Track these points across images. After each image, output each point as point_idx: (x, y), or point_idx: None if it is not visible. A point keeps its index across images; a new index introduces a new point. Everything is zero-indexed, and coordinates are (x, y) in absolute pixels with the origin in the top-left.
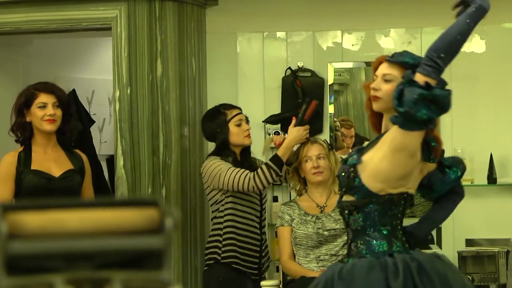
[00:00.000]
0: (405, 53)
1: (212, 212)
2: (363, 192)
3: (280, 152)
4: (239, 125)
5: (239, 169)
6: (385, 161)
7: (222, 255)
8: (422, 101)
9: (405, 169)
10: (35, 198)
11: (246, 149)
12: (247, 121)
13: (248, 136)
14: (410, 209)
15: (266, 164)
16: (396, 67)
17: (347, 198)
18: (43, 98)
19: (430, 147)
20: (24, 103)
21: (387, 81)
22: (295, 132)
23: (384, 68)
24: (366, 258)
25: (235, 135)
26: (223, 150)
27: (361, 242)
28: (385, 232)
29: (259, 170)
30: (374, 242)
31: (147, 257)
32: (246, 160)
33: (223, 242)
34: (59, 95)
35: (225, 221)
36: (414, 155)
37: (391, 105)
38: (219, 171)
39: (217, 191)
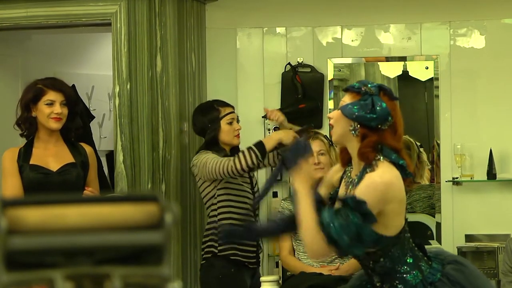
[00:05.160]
0: (361, 81)
1: (207, 208)
2: (383, 241)
3: (265, 139)
4: (230, 124)
5: (225, 158)
6: (381, 218)
7: (219, 248)
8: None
9: (396, 212)
10: (32, 193)
11: (235, 148)
12: (238, 121)
13: (238, 136)
14: None
15: (249, 147)
16: (347, 94)
17: (367, 250)
18: (51, 95)
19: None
20: (32, 98)
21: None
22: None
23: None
24: None
25: (226, 133)
26: (212, 146)
27: (397, 282)
28: (411, 261)
29: (240, 153)
30: (409, 277)
31: (147, 252)
32: None
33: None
34: (67, 93)
35: (219, 213)
36: (397, 197)
37: (344, 129)
38: (205, 161)
39: (208, 184)
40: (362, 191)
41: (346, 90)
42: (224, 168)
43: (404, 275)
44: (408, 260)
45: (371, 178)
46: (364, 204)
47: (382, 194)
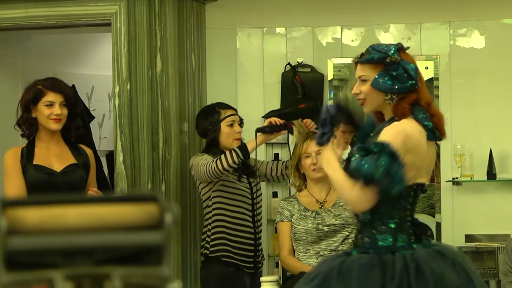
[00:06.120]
0: (370, 49)
1: (203, 208)
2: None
3: (248, 142)
4: (231, 126)
5: (211, 160)
6: None
7: (210, 249)
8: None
9: (411, 166)
10: (36, 193)
11: None
12: (241, 123)
13: (239, 139)
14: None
15: (232, 148)
16: (366, 66)
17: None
18: (51, 96)
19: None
20: (32, 99)
21: (363, 81)
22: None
23: (358, 71)
24: (367, 255)
25: (226, 135)
26: (212, 148)
27: (367, 235)
28: (392, 226)
29: (223, 154)
30: (379, 236)
31: (147, 252)
32: None
33: (212, 237)
34: (67, 94)
35: (213, 215)
36: (415, 149)
37: (379, 102)
38: (198, 163)
39: (204, 185)
40: (385, 134)
41: (362, 62)
42: (208, 169)
43: (377, 234)
44: (390, 224)
45: (392, 124)
46: (388, 145)
47: (404, 139)
